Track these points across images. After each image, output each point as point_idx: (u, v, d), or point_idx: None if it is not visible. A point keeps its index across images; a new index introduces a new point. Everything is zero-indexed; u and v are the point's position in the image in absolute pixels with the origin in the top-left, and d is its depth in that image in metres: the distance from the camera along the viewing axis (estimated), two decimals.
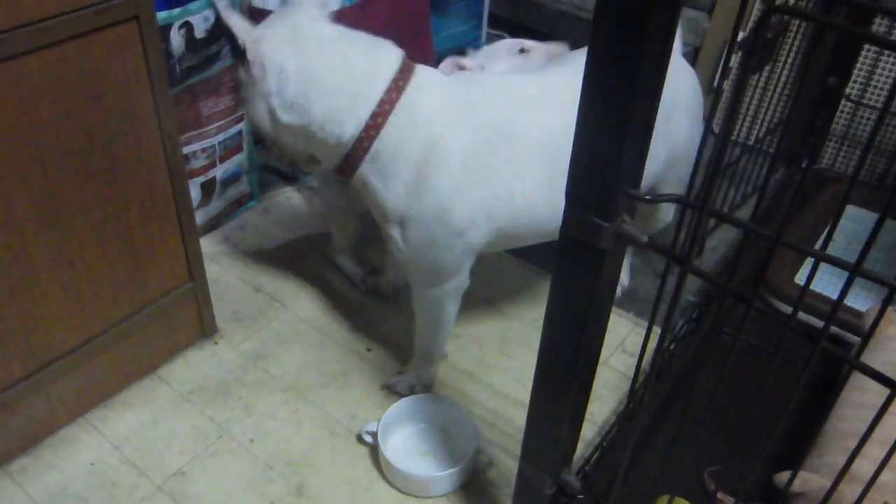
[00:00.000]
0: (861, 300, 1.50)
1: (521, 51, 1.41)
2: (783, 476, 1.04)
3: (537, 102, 1.15)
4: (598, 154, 0.66)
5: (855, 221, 1.71)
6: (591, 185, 0.68)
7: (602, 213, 0.68)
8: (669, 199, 0.69)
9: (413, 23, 1.89)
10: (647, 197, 0.68)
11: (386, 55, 1.12)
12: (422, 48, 1.85)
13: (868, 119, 1.79)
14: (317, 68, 1.08)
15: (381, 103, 1.08)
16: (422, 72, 1.13)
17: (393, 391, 1.32)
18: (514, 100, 1.15)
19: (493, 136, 1.10)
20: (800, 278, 1.57)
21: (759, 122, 1.56)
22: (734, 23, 0.55)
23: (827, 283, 1.55)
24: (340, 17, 1.72)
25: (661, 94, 0.64)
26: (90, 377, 1.19)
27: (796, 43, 1.65)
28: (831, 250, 1.75)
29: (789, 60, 1.62)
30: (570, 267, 0.74)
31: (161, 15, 1.30)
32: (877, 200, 1.73)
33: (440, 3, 2.05)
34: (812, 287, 1.54)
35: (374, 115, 1.08)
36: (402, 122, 1.09)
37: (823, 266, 1.67)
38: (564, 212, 0.71)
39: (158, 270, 1.20)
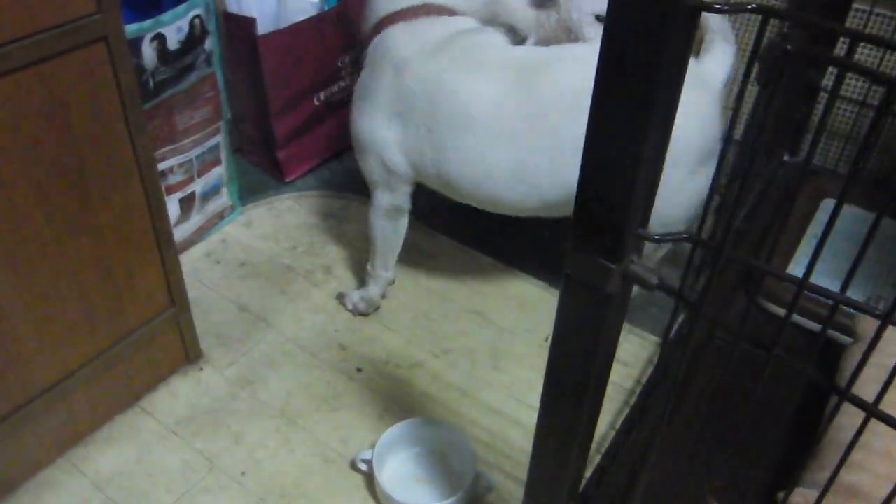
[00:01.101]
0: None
1: None
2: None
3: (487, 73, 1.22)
4: (605, 193, 0.61)
5: (844, 218, 1.68)
6: (598, 225, 0.63)
7: (610, 255, 0.64)
8: (680, 238, 0.64)
9: None
10: (656, 236, 0.64)
11: None
12: None
13: (845, 111, 1.76)
14: None
15: (377, 24, 1.30)
16: (414, 24, 1.27)
17: (341, 303, 1.49)
18: (465, 65, 1.22)
19: (421, 95, 1.22)
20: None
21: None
22: (746, 64, 0.51)
23: (817, 282, 1.52)
24: (323, 20, 1.67)
25: (672, 128, 0.59)
26: (69, 414, 1.13)
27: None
28: (816, 248, 1.71)
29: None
30: (574, 308, 0.70)
31: (131, 28, 1.23)
32: (860, 195, 1.70)
33: None
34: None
35: (371, 31, 1.31)
36: (375, 48, 1.29)
37: (816, 266, 1.63)
38: (569, 252, 0.66)
39: (138, 299, 1.15)
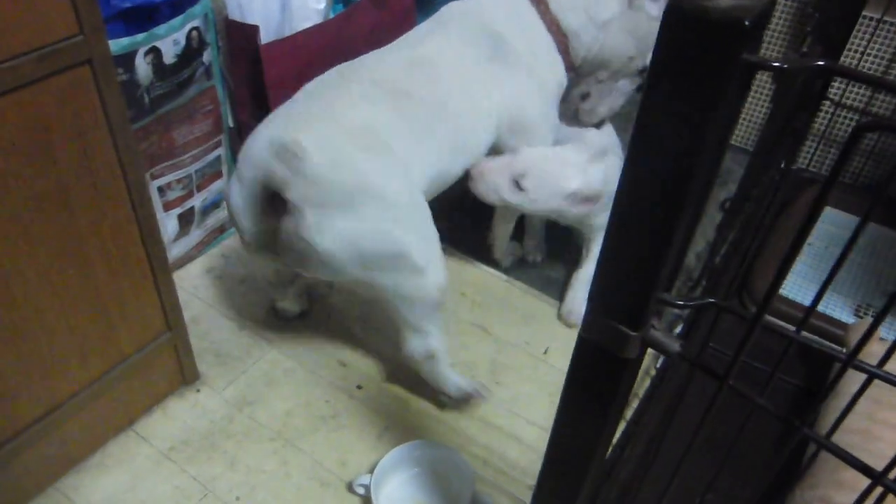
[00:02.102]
0: (840, 309, 1.38)
1: None
2: None
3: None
4: (633, 257, 0.51)
5: (833, 224, 1.59)
6: (621, 290, 0.53)
7: (630, 321, 0.54)
8: (708, 305, 0.54)
9: (399, 29, 1.72)
10: (679, 302, 0.54)
11: None
12: None
13: (845, 118, 1.65)
14: None
15: None
16: None
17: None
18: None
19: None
20: (783, 288, 1.45)
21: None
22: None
23: (806, 290, 1.44)
24: (327, 26, 1.56)
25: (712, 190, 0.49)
26: (59, 444, 1.03)
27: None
28: (809, 254, 1.62)
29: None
30: (587, 370, 0.60)
31: (123, 42, 1.12)
32: (854, 202, 1.61)
33: (425, 4, 1.87)
34: (792, 297, 1.43)
35: None
36: None
37: (802, 274, 1.52)
38: (585, 314, 0.56)
39: (132, 326, 1.04)
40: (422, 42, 1.21)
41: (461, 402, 1.21)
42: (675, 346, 0.55)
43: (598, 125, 1.51)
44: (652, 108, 0.39)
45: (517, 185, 1.25)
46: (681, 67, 0.36)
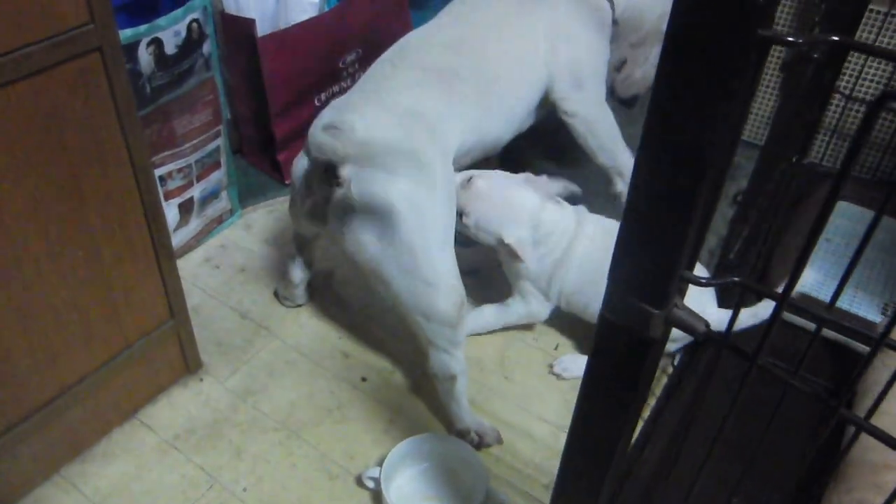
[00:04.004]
0: (866, 307, 1.40)
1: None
2: None
3: None
4: (655, 232, 0.53)
5: (851, 219, 1.61)
6: (643, 268, 0.55)
7: (653, 300, 0.56)
8: (732, 283, 0.57)
9: (393, 21, 1.74)
10: (703, 279, 0.56)
11: None
12: None
13: (858, 112, 1.68)
14: None
15: None
16: None
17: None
18: None
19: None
20: (802, 284, 1.47)
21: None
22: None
23: (829, 288, 1.46)
24: (322, 21, 1.57)
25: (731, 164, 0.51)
26: (65, 430, 1.05)
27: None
28: (828, 251, 1.63)
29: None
30: (611, 352, 0.62)
31: (126, 33, 1.14)
32: (872, 197, 1.63)
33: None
34: (815, 295, 1.43)
35: None
36: None
37: (825, 271, 1.53)
38: (606, 292, 0.59)
39: (136, 312, 1.06)
40: (461, 20, 1.27)
41: (474, 443, 1.17)
42: (701, 325, 0.57)
43: (631, 103, 1.49)
44: (668, 84, 0.42)
45: (460, 216, 1.23)
46: (696, 45, 0.38)
